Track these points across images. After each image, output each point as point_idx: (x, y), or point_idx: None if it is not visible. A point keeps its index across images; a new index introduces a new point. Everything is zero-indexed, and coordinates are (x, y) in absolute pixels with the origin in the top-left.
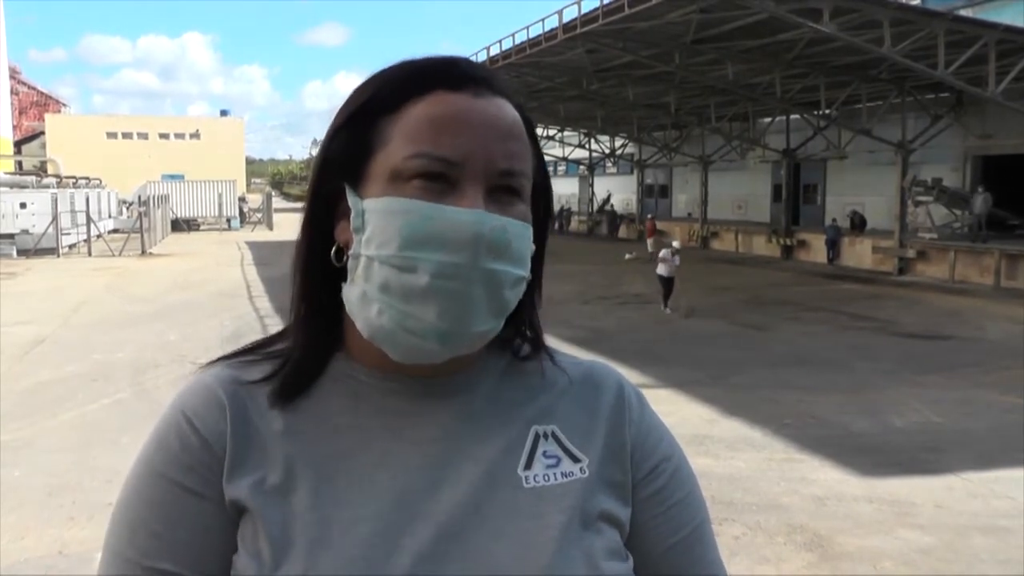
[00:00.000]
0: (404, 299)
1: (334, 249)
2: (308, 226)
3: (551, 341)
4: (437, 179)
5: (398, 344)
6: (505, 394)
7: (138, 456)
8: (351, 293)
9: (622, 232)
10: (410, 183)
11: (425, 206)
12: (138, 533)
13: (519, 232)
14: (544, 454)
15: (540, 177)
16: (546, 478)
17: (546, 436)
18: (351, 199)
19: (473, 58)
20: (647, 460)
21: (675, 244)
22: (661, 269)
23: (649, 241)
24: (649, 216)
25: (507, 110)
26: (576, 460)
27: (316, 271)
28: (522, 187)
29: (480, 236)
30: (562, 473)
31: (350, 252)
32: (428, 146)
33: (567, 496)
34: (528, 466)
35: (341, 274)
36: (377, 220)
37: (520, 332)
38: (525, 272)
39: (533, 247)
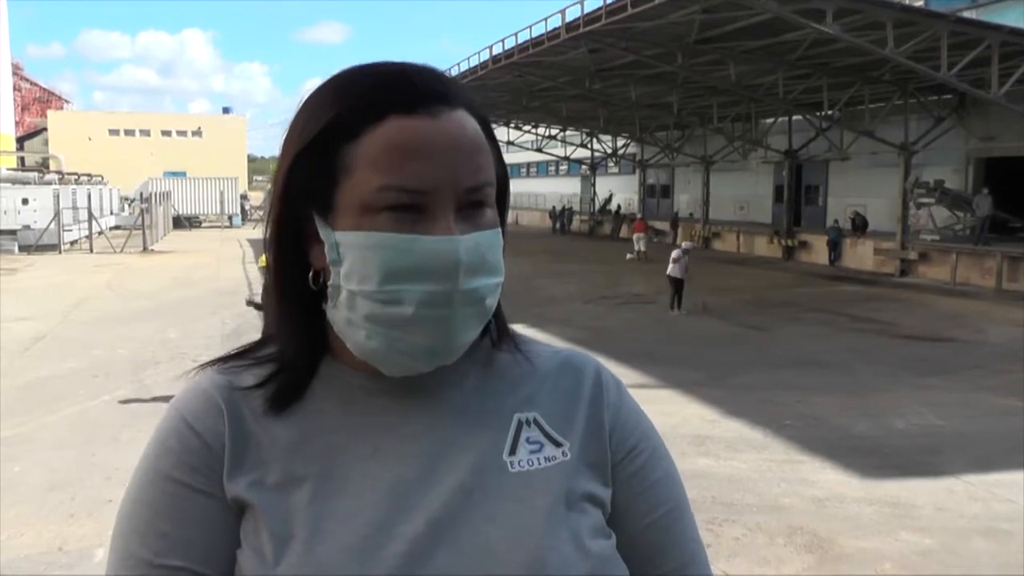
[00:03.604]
0: (392, 327)
1: (311, 274)
2: (278, 250)
3: (553, 340)
4: (408, 209)
5: (390, 363)
6: (488, 385)
7: (140, 461)
8: (336, 316)
9: (623, 232)
10: (381, 214)
11: (401, 239)
12: (147, 534)
13: (491, 242)
14: (527, 440)
15: (500, 173)
16: (530, 463)
17: (528, 423)
18: (323, 231)
19: (475, 58)
20: (625, 441)
21: (686, 245)
22: (672, 270)
23: (635, 236)
24: (639, 216)
25: (466, 123)
26: (558, 444)
27: (293, 291)
28: (488, 196)
29: (458, 262)
30: (545, 458)
31: (329, 282)
32: (396, 177)
33: (551, 479)
34: (512, 452)
35: (320, 290)
36: (354, 255)
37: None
38: (501, 276)
39: (503, 241)
